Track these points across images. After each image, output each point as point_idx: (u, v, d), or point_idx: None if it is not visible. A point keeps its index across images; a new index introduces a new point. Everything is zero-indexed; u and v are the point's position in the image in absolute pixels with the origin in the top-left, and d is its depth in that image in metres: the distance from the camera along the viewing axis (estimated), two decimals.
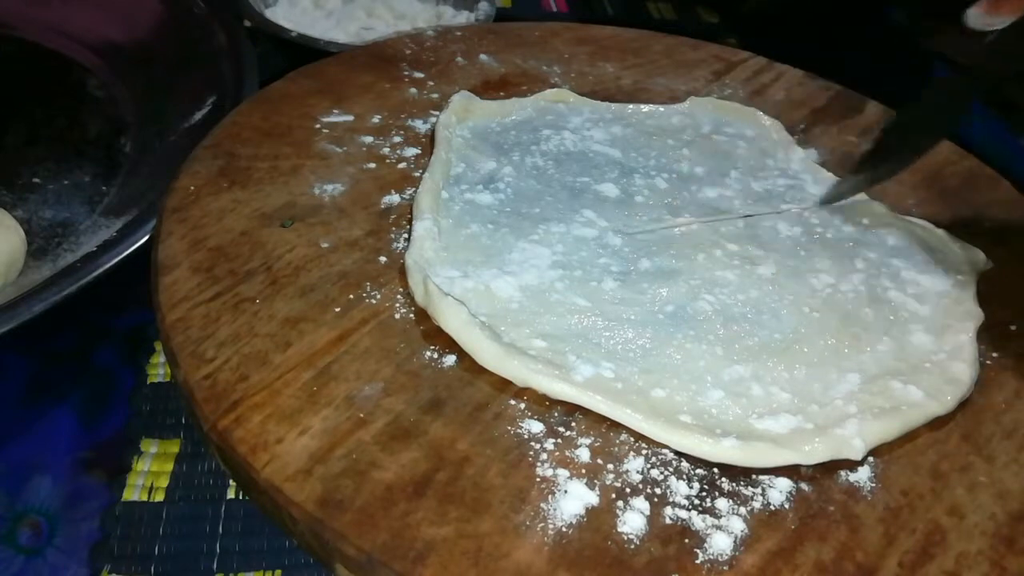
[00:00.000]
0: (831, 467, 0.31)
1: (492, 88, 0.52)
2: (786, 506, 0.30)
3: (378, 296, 0.36)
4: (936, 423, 0.34)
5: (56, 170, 0.54)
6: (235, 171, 0.42)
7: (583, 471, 0.30)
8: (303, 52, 0.61)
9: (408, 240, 0.39)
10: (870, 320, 0.38)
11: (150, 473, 0.40)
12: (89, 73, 0.63)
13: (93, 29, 0.65)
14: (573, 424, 0.32)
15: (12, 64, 0.64)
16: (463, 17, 0.74)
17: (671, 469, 0.31)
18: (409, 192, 0.42)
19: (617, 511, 0.29)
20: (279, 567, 0.38)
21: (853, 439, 0.31)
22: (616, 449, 0.31)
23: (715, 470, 0.31)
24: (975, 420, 0.34)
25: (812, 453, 0.31)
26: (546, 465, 0.30)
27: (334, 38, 0.65)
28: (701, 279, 0.39)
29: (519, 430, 0.31)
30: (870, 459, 0.32)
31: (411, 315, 0.36)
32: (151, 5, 0.66)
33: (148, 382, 0.45)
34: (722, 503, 0.30)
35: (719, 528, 0.29)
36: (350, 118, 0.47)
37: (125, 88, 0.62)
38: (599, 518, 0.29)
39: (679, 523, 0.29)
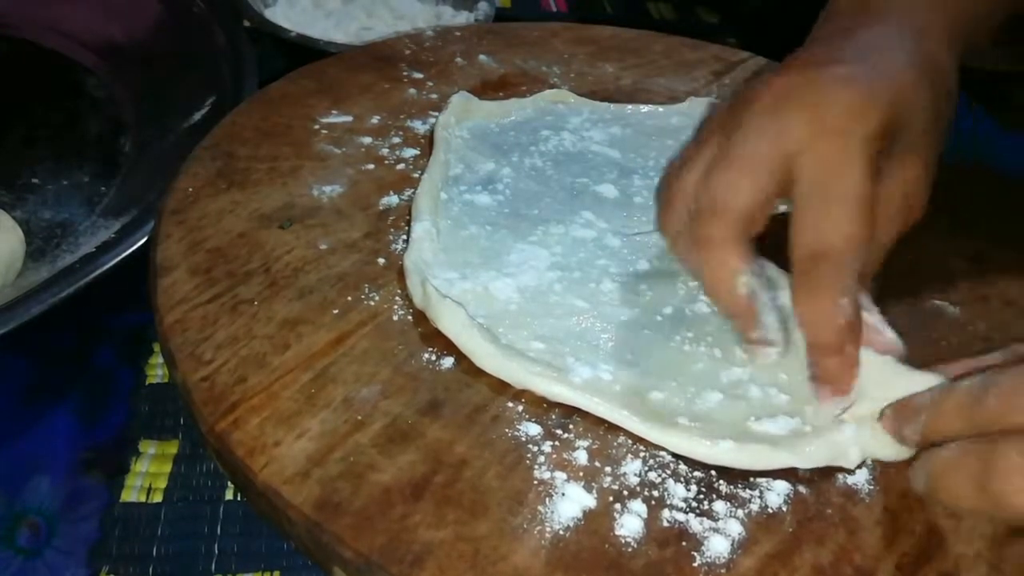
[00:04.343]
0: (829, 470, 0.31)
1: (491, 88, 0.52)
2: (784, 509, 0.30)
3: (376, 298, 0.36)
4: None
5: (55, 170, 0.54)
6: (234, 172, 0.42)
7: (581, 474, 0.30)
8: (303, 52, 0.61)
9: (407, 242, 0.39)
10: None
11: (148, 474, 0.40)
12: (89, 73, 0.63)
13: (93, 29, 0.65)
14: (571, 426, 0.32)
15: (12, 64, 0.64)
16: (462, 17, 0.74)
17: (669, 472, 0.30)
18: (408, 193, 0.42)
19: (614, 514, 0.29)
20: (277, 568, 0.38)
21: (850, 448, 0.31)
22: (614, 451, 0.31)
23: (713, 473, 0.31)
24: None
25: (810, 456, 0.31)
26: (544, 468, 0.30)
27: (333, 38, 0.65)
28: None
29: (517, 432, 0.31)
30: (868, 461, 0.32)
31: (409, 317, 0.36)
32: (151, 5, 0.66)
33: (147, 383, 0.45)
34: (720, 506, 0.30)
35: (717, 531, 0.29)
36: (349, 119, 0.47)
37: (125, 88, 0.62)
38: (596, 521, 0.29)
39: (676, 526, 0.29)
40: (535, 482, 0.30)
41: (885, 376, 0.31)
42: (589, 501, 0.29)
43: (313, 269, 0.37)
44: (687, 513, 0.29)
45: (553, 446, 0.31)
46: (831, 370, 0.31)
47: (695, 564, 0.28)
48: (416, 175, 0.43)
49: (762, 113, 0.31)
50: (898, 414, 0.30)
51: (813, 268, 0.30)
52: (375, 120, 0.47)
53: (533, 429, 0.31)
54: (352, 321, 0.35)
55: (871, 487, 0.31)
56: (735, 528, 0.29)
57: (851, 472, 0.31)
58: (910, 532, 0.30)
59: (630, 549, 0.28)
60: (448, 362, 0.34)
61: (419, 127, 0.47)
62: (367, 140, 0.46)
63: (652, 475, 0.30)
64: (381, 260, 0.38)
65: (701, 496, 0.30)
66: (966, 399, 0.27)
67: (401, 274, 0.37)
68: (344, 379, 0.33)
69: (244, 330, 0.34)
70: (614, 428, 0.32)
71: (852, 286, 0.30)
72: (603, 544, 0.28)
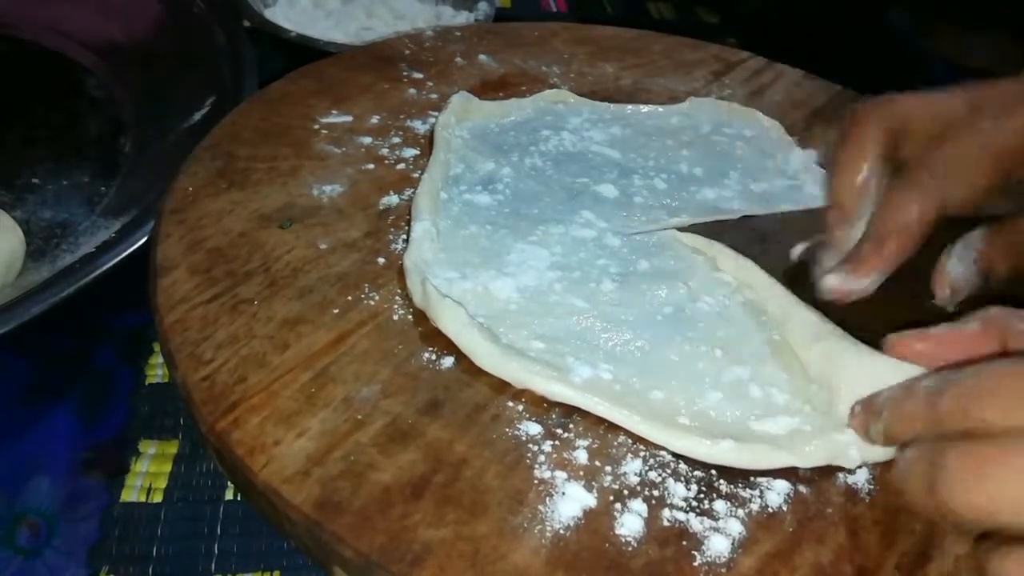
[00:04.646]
0: (829, 469, 0.31)
1: (491, 88, 0.52)
2: (784, 508, 0.30)
3: (376, 297, 0.36)
4: None
5: (55, 170, 0.54)
6: (234, 172, 0.42)
7: (581, 473, 0.30)
8: (302, 52, 0.61)
9: (407, 241, 0.39)
10: None
11: (148, 474, 0.40)
12: (89, 73, 0.63)
13: (93, 29, 0.65)
14: (571, 426, 0.32)
15: (12, 64, 0.64)
16: (462, 17, 0.74)
17: (669, 471, 0.30)
18: (408, 193, 0.42)
19: (615, 513, 0.29)
20: (278, 568, 0.38)
21: (850, 448, 0.31)
22: (614, 451, 0.31)
23: (713, 472, 0.31)
24: None
25: (810, 455, 0.31)
26: (544, 467, 0.30)
27: (333, 38, 0.66)
28: (700, 280, 0.39)
29: (517, 432, 0.31)
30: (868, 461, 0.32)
31: (409, 316, 0.36)
32: (151, 5, 0.66)
33: (147, 383, 0.45)
34: (720, 505, 0.30)
35: (717, 530, 0.29)
36: (349, 119, 0.47)
37: (125, 88, 0.62)
38: (597, 520, 0.29)
39: (677, 525, 0.29)
40: (535, 481, 0.29)
41: (885, 375, 0.32)
42: (589, 500, 0.29)
43: (313, 269, 0.37)
44: (687, 512, 0.29)
45: (553, 445, 0.31)
46: (860, 251, 0.37)
47: (695, 563, 0.28)
48: (416, 175, 0.43)
49: None
50: (865, 412, 0.31)
51: (913, 170, 0.36)
52: (375, 120, 0.47)
53: (533, 428, 0.31)
54: (352, 321, 0.35)
55: (871, 487, 0.31)
56: (735, 527, 0.29)
57: (851, 472, 0.31)
58: (910, 532, 0.30)
59: (630, 548, 0.28)
60: (448, 361, 0.34)
61: (419, 127, 0.47)
62: (367, 140, 0.46)
63: (652, 474, 0.30)
64: (381, 260, 0.38)
65: (701, 495, 0.30)
66: (924, 401, 0.28)
67: (401, 274, 0.37)
68: (344, 379, 0.32)
69: (244, 330, 0.34)
70: (614, 427, 0.32)
71: (924, 201, 0.35)
72: (603, 543, 0.28)
